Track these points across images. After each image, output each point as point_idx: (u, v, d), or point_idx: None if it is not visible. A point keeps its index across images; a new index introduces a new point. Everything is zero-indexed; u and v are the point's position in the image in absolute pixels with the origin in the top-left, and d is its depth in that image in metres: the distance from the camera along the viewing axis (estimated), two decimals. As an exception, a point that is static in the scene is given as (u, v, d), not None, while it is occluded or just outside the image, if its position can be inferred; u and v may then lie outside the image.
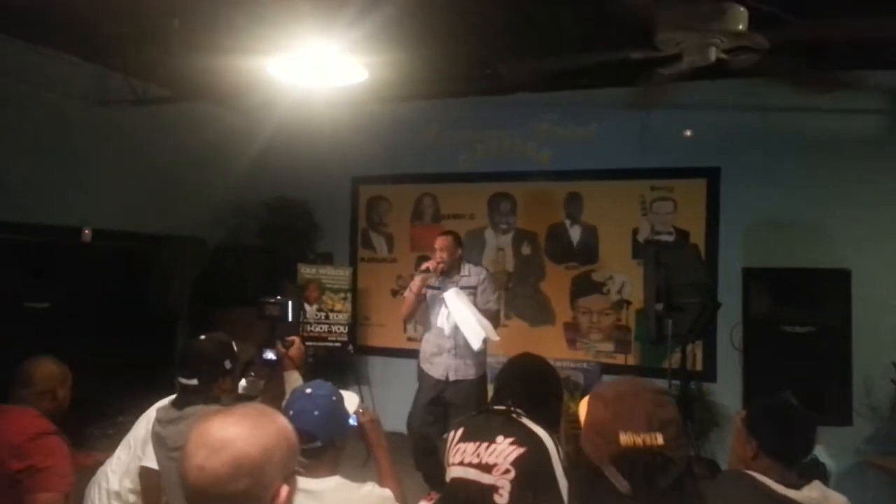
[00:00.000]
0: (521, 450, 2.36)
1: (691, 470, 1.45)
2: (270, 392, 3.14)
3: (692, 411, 5.15)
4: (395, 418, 7.00)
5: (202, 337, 2.89)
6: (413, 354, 7.14)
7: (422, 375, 5.48)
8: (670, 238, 6.39)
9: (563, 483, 2.26)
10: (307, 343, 6.76)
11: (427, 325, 5.43)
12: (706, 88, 5.82)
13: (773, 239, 6.00)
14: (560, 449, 2.35)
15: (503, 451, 2.38)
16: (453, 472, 2.51)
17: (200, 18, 3.80)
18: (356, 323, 7.27)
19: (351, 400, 2.47)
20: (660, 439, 1.40)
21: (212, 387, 2.76)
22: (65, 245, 5.59)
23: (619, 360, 6.47)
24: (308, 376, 6.49)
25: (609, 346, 6.60)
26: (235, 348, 2.92)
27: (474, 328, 4.84)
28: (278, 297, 3.33)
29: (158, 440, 2.75)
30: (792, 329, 4.61)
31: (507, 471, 2.35)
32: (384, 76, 4.41)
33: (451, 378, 5.20)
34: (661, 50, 3.14)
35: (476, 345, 4.80)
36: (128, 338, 5.67)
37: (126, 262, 6.04)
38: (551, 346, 6.76)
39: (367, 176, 7.60)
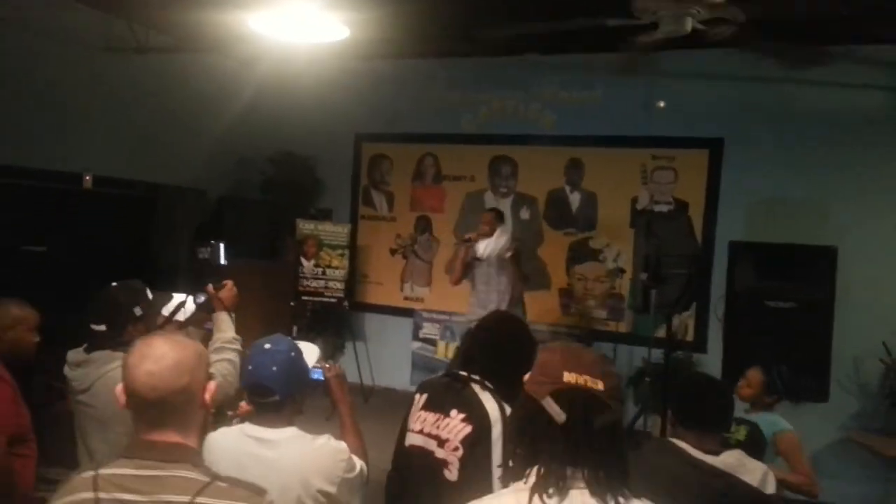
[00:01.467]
0: (469, 428, 2.32)
1: (623, 426, 1.49)
2: (197, 335, 3.14)
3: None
4: (389, 375, 7.18)
5: (114, 283, 2.86)
6: (408, 314, 7.28)
7: None
8: (669, 208, 6.37)
9: (495, 461, 2.20)
10: (303, 298, 6.89)
11: (473, 288, 5.92)
12: (714, 58, 5.75)
13: (771, 213, 5.96)
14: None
15: (454, 427, 2.35)
16: (412, 439, 2.48)
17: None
18: (354, 280, 7.33)
19: (311, 352, 2.49)
20: (600, 385, 1.46)
21: (121, 332, 2.73)
22: (65, 190, 5.64)
23: (612, 327, 6.49)
24: (304, 330, 6.62)
25: (602, 313, 6.63)
26: (150, 295, 2.89)
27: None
28: (212, 242, 3.28)
29: (66, 383, 2.78)
30: (775, 304, 4.62)
31: (456, 448, 2.32)
32: (375, 33, 4.38)
33: None
34: (638, 18, 3.11)
35: None
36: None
37: (126, 210, 6.10)
38: (546, 310, 6.81)
39: (370, 134, 7.59)
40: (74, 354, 2.78)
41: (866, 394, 5.58)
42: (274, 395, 2.24)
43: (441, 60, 7.06)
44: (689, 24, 3.03)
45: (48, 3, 5.51)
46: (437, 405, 2.47)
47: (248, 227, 6.92)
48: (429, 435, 2.43)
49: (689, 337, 6.18)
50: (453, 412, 2.39)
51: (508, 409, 2.21)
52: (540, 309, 6.83)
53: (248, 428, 2.30)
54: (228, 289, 3.08)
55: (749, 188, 6.07)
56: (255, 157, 7.42)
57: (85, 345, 2.78)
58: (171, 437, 1.59)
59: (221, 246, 3.24)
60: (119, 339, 2.72)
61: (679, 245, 5.07)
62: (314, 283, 6.99)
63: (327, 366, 2.61)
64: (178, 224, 6.59)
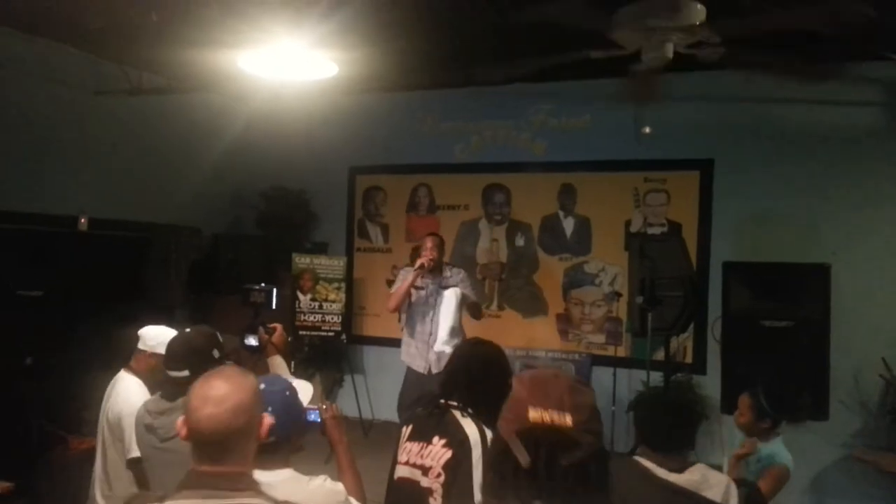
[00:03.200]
0: (449, 453, 2.36)
1: (603, 458, 1.45)
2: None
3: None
4: (389, 407, 7.07)
5: (188, 330, 2.93)
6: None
7: (407, 369, 5.61)
8: (663, 230, 6.38)
9: (477, 483, 2.23)
10: (301, 332, 6.87)
11: (409, 320, 5.61)
12: (702, 79, 5.79)
13: (763, 232, 5.97)
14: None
15: (437, 453, 2.39)
16: (399, 471, 2.50)
17: (177, 12, 3.83)
18: (351, 312, 7.31)
19: (305, 390, 2.48)
20: (568, 420, 1.40)
21: None
22: (61, 233, 5.65)
23: (610, 351, 6.47)
24: (302, 365, 6.59)
25: (600, 338, 6.62)
26: (221, 338, 2.96)
27: (441, 334, 5.37)
28: (263, 285, 3.40)
29: (149, 430, 2.81)
30: (771, 323, 4.61)
31: (439, 475, 2.36)
32: (364, 69, 4.43)
33: (434, 371, 5.29)
34: (622, 48, 3.15)
35: None
36: (123, 325, 5.73)
37: (122, 251, 6.10)
38: (544, 337, 6.81)
39: (364, 166, 7.64)
40: (156, 403, 2.84)
41: (867, 410, 5.55)
42: (269, 437, 2.23)
43: (431, 92, 7.11)
44: (671, 51, 3.07)
45: (39, 48, 5.56)
46: (421, 434, 2.50)
47: (243, 262, 6.93)
48: (414, 465, 2.46)
49: (689, 359, 6.19)
50: (435, 438, 2.43)
51: (490, 433, 2.19)
52: (538, 335, 6.83)
53: (243, 470, 2.28)
54: (279, 333, 3.26)
55: (741, 208, 6.09)
56: (249, 194, 7.45)
57: (160, 392, 2.86)
58: (232, 467, 1.71)
59: (274, 290, 3.39)
60: None
61: (673, 267, 5.06)
62: (311, 318, 6.97)
63: (324, 406, 2.59)
64: (174, 262, 6.59)
